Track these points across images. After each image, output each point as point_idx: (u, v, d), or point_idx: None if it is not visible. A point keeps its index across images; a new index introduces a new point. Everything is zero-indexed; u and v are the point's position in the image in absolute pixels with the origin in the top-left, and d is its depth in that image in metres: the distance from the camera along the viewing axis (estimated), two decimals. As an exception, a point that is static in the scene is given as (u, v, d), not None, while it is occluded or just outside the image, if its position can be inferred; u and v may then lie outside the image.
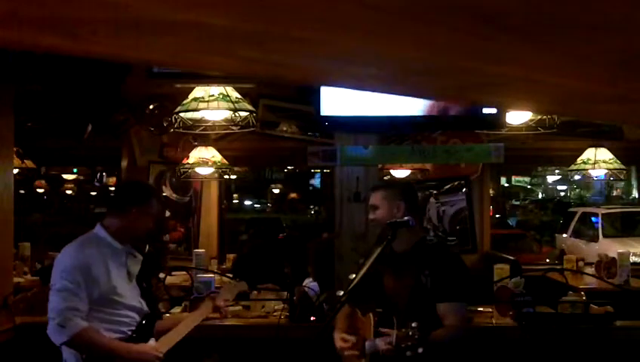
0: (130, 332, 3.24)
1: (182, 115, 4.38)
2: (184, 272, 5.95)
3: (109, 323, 3.18)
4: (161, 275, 5.21)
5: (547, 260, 11.80)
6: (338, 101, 4.36)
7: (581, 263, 7.04)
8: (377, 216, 3.36)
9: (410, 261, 3.27)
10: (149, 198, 3.38)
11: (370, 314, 3.22)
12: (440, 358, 3.09)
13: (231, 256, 7.35)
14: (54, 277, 3.14)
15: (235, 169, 8.73)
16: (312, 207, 25.18)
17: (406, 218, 3.24)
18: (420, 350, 2.80)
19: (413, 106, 4.34)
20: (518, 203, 27.51)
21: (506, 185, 27.66)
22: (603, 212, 13.43)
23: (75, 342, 3.05)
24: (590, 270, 6.67)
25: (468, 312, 3.42)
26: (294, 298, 4.43)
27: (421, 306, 3.17)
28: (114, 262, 3.23)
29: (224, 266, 7.31)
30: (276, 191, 27.70)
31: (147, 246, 5.37)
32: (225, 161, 6.68)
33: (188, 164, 6.57)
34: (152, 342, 3.30)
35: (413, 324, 2.84)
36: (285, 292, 4.76)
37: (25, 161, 7.65)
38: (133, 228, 3.31)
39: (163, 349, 3.25)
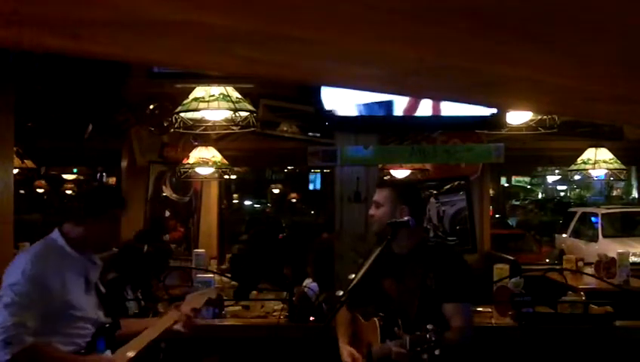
0: (84, 344, 3.05)
1: (182, 115, 4.39)
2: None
3: (63, 336, 2.99)
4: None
5: (547, 260, 11.81)
6: (338, 101, 4.36)
7: (581, 263, 7.05)
8: (378, 214, 3.33)
9: (412, 263, 3.25)
10: (108, 209, 3.15)
11: (375, 319, 3.20)
12: (451, 360, 3.08)
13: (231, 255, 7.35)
14: (3, 288, 2.92)
15: (235, 169, 8.73)
16: (304, 207, 25.14)
17: (406, 218, 3.23)
18: (437, 352, 2.78)
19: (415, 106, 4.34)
20: (518, 203, 27.49)
21: (506, 185, 27.64)
22: (603, 212, 13.42)
23: (22, 358, 2.84)
24: (590, 270, 6.67)
25: (471, 312, 3.40)
26: (293, 298, 4.43)
27: (429, 308, 3.16)
28: (72, 272, 3.04)
29: (224, 266, 7.31)
30: (276, 191, 27.69)
31: (146, 246, 5.37)
32: (225, 161, 6.68)
33: (188, 163, 6.57)
34: (107, 353, 3.12)
35: (429, 327, 2.81)
36: (285, 293, 4.76)
37: (25, 160, 7.66)
38: (92, 239, 3.11)
39: (121, 359, 3.07)
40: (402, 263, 3.26)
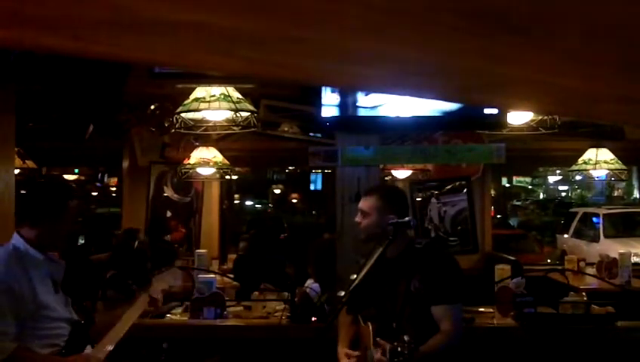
0: (63, 344, 3.06)
1: (183, 115, 4.39)
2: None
3: (41, 338, 3.00)
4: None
5: (548, 260, 11.81)
6: (339, 101, 4.37)
7: (582, 263, 7.05)
8: (365, 223, 3.33)
9: (399, 267, 3.24)
10: (62, 203, 3.12)
11: (369, 324, 3.20)
12: None
13: (233, 256, 7.35)
14: None
15: (237, 169, 8.74)
16: (305, 207, 25.11)
17: (407, 218, 3.23)
18: None
19: (416, 106, 4.34)
20: (519, 203, 27.49)
21: (507, 185, 27.64)
22: (604, 212, 13.42)
23: None
24: (591, 270, 6.67)
25: (463, 313, 3.37)
26: (295, 299, 4.43)
27: (417, 312, 3.15)
28: (37, 274, 3.02)
29: (225, 266, 7.32)
30: (277, 191, 27.71)
31: (136, 243, 5.39)
32: (226, 161, 6.68)
33: (189, 164, 6.57)
34: (88, 349, 3.12)
35: (405, 338, 2.83)
36: (286, 293, 4.76)
37: (26, 161, 7.65)
38: (50, 237, 3.09)
39: (101, 354, 3.07)
40: (391, 267, 3.24)
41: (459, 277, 3.29)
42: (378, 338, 3.04)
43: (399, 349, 2.80)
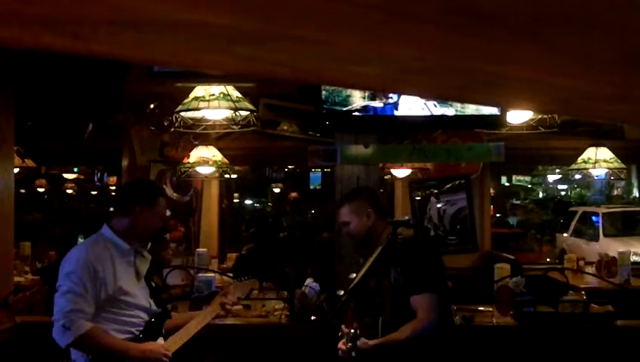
0: (137, 333, 3.23)
1: (182, 114, 4.39)
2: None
3: (116, 323, 3.18)
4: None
5: (548, 259, 11.82)
6: (339, 100, 4.36)
7: (582, 262, 7.06)
8: (350, 230, 3.45)
9: (381, 261, 3.28)
10: (155, 197, 3.36)
11: (381, 319, 3.25)
12: (409, 355, 3.13)
13: (232, 255, 7.35)
14: (60, 278, 3.15)
15: (236, 168, 8.74)
16: (304, 206, 25.13)
17: (406, 217, 3.27)
18: (353, 354, 2.97)
19: (415, 105, 4.34)
20: (518, 202, 27.46)
21: (507, 184, 27.62)
22: (604, 211, 13.42)
23: (80, 343, 3.06)
24: (591, 269, 6.68)
25: (436, 303, 3.34)
26: (294, 302, 4.43)
27: (399, 305, 3.20)
28: (121, 262, 3.23)
29: (225, 265, 7.32)
30: (277, 190, 27.69)
31: (149, 245, 5.38)
32: (225, 160, 6.68)
33: (188, 163, 6.57)
34: (160, 341, 3.28)
35: (354, 326, 2.97)
36: (285, 292, 4.77)
37: (25, 160, 7.65)
38: (140, 227, 3.30)
39: (172, 348, 3.23)
40: (375, 261, 3.28)
41: (435, 267, 3.34)
42: (343, 326, 3.11)
43: (349, 336, 2.97)
